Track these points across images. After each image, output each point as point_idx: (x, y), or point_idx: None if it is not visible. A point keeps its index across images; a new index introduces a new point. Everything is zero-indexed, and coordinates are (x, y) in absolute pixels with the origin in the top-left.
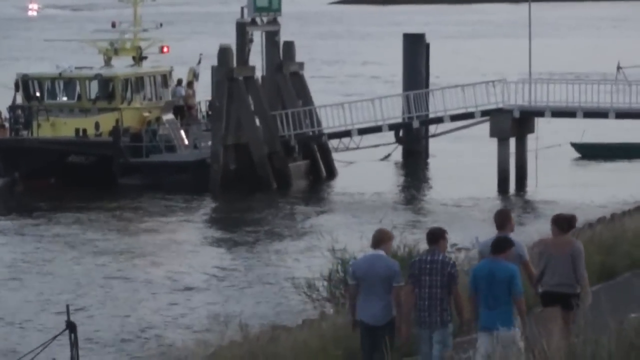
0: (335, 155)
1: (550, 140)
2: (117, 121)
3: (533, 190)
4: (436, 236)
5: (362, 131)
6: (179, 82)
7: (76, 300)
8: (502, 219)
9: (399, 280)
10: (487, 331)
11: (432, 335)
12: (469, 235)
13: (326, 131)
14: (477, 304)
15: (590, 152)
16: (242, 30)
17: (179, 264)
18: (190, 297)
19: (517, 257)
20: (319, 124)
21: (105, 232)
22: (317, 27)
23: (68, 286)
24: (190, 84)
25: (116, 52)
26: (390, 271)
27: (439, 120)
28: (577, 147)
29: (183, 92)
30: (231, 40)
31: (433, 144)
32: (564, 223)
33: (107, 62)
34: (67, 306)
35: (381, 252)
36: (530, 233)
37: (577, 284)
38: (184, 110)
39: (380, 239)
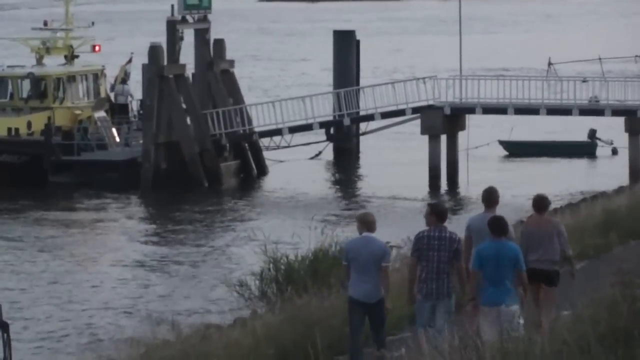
0: (266, 154)
1: (481, 137)
2: (49, 119)
3: (464, 187)
4: (444, 214)
5: (293, 129)
6: (124, 80)
7: (7, 300)
8: (492, 198)
9: (388, 260)
10: (491, 306)
11: (436, 306)
12: (400, 232)
13: (257, 129)
14: (479, 281)
15: (517, 150)
16: (173, 28)
17: (109, 262)
18: (122, 296)
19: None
20: (250, 122)
21: (35, 232)
22: (247, 24)
23: None
24: (123, 83)
25: (48, 50)
26: (381, 251)
27: (369, 117)
28: (505, 144)
29: (130, 90)
30: (162, 39)
31: (364, 142)
32: (540, 203)
33: (39, 61)
34: None
35: (371, 234)
36: (462, 230)
37: (558, 261)
38: (124, 108)
39: (370, 222)
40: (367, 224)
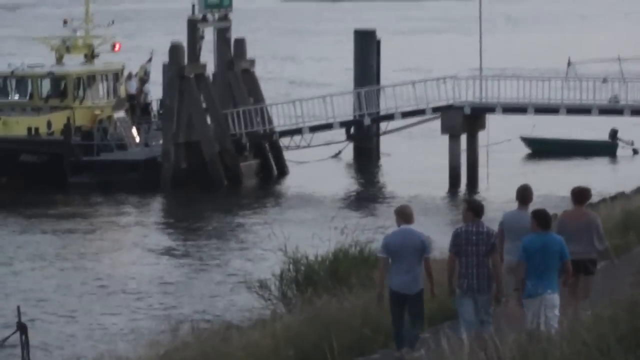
0: (286, 154)
1: (501, 137)
2: (68, 119)
3: (485, 186)
4: (480, 210)
5: (313, 129)
6: (129, 75)
7: (27, 302)
8: (527, 195)
9: (429, 251)
10: (535, 297)
11: (477, 300)
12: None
13: (277, 129)
14: (523, 272)
15: (540, 147)
16: (193, 27)
17: (130, 263)
18: (142, 297)
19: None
20: (270, 122)
21: (54, 232)
22: (269, 24)
23: (19, 287)
24: (141, 82)
25: (68, 49)
26: (422, 244)
27: (390, 117)
28: (527, 141)
29: (135, 86)
30: (182, 38)
31: (384, 141)
32: (580, 195)
33: (59, 60)
34: (18, 307)
35: (410, 226)
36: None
37: (594, 251)
38: (135, 107)
39: (408, 214)
40: (405, 216)
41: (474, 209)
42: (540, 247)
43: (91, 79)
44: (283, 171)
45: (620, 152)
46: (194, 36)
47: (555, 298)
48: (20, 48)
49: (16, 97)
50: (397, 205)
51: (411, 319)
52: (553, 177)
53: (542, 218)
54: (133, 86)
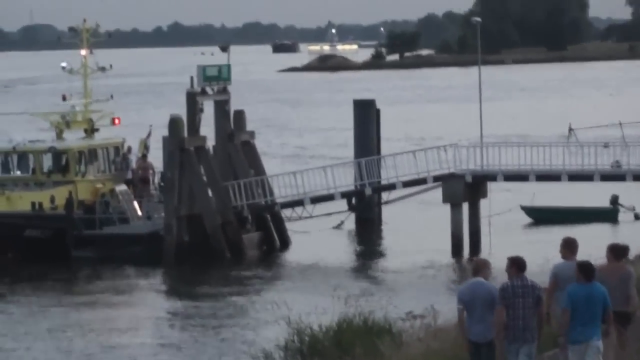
0: (288, 225)
1: (503, 204)
2: (70, 193)
3: (487, 254)
4: (523, 265)
5: (315, 200)
6: (129, 149)
7: None
8: (573, 247)
9: (499, 303)
10: (580, 344)
11: (520, 349)
12: (424, 302)
13: (279, 200)
14: (567, 320)
15: (540, 216)
16: (192, 100)
17: (133, 336)
18: None
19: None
20: (272, 193)
21: (58, 307)
22: (267, 95)
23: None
24: (144, 157)
25: (68, 124)
26: (491, 295)
27: (391, 186)
28: (527, 210)
29: (133, 161)
30: (182, 111)
31: (386, 211)
32: (618, 251)
33: (59, 135)
34: None
35: (481, 279)
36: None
37: (630, 305)
38: (135, 182)
39: (479, 267)
40: (475, 269)
41: (517, 265)
42: (584, 296)
43: (92, 153)
44: (285, 242)
45: (621, 217)
46: (194, 109)
47: (599, 345)
48: (18, 124)
49: (18, 172)
50: (399, 275)
51: None
52: (555, 243)
53: (586, 270)
54: (132, 160)
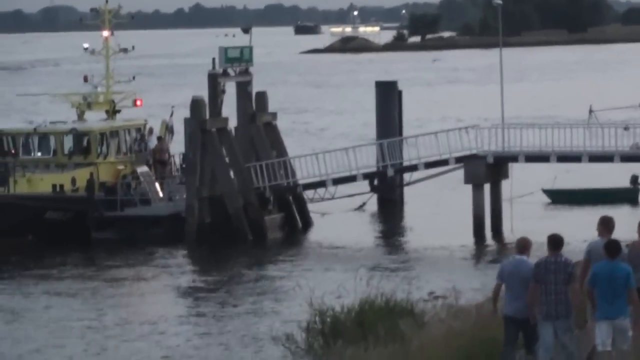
0: (310, 206)
1: (525, 185)
2: (91, 175)
3: (509, 235)
4: (558, 243)
5: (337, 181)
6: (150, 130)
7: (54, 355)
8: (610, 225)
9: (532, 280)
10: (606, 320)
11: (555, 326)
12: (445, 283)
13: (301, 182)
14: (594, 297)
15: (561, 198)
16: (214, 82)
17: (155, 318)
18: (168, 353)
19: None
20: (294, 174)
21: (79, 289)
22: (290, 76)
23: (47, 341)
24: (160, 139)
25: (89, 105)
26: (529, 273)
27: (413, 168)
28: (549, 193)
29: (154, 142)
30: (204, 92)
31: (408, 192)
32: None
33: (80, 117)
34: None
35: (524, 257)
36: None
37: None
38: (156, 164)
39: (524, 246)
40: (519, 247)
41: (552, 241)
42: (606, 273)
43: (114, 134)
44: (307, 224)
45: None
46: (215, 90)
47: (625, 323)
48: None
49: (39, 154)
50: (421, 256)
51: (525, 340)
52: (577, 224)
53: (609, 248)
54: (153, 141)
